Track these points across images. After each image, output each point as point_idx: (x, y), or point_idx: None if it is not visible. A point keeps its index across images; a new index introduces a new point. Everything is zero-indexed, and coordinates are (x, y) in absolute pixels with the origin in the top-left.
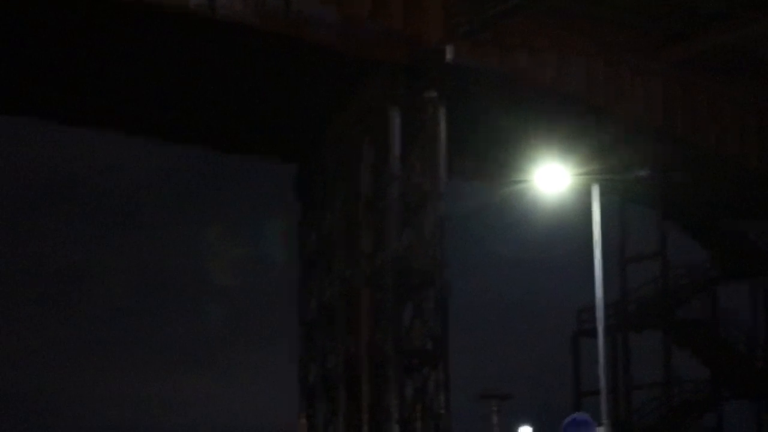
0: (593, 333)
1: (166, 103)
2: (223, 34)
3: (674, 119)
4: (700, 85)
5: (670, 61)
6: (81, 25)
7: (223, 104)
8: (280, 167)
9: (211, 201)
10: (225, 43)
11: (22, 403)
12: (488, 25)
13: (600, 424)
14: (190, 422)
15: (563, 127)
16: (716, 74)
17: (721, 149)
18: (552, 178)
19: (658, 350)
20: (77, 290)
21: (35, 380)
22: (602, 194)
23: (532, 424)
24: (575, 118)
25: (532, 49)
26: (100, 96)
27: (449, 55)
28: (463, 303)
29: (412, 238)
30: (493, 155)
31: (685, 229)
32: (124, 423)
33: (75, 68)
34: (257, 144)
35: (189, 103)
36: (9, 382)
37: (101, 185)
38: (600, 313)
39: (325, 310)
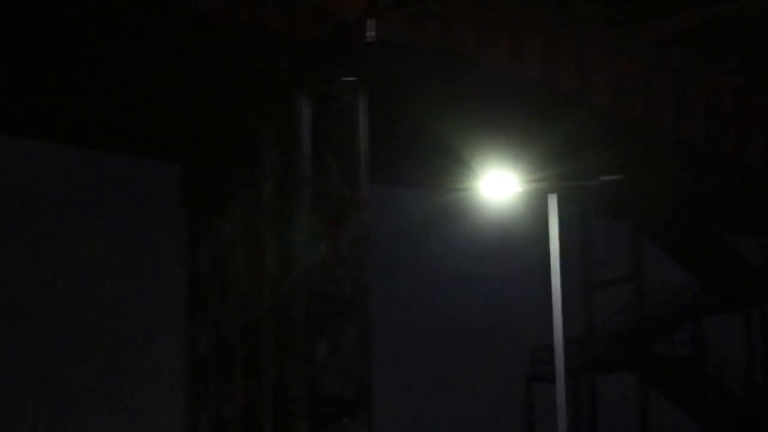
0: (550, 377)
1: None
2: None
3: (653, 109)
4: (688, 69)
5: (650, 38)
6: None
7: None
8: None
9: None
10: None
11: None
12: None
13: None
14: None
15: (517, 120)
16: (708, 55)
17: (714, 148)
18: (502, 184)
19: (633, 396)
20: None
21: None
22: (562, 205)
23: None
24: (533, 107)
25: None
26: None
27: (371, 30)
28: (391, 336)
29: (328, 256)
30: (429, 155)
31: (663, 247)
32: None
33: None
34: (136, 140)
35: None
36: None
37: None
38: (559, 350)
39: (220, 345)
